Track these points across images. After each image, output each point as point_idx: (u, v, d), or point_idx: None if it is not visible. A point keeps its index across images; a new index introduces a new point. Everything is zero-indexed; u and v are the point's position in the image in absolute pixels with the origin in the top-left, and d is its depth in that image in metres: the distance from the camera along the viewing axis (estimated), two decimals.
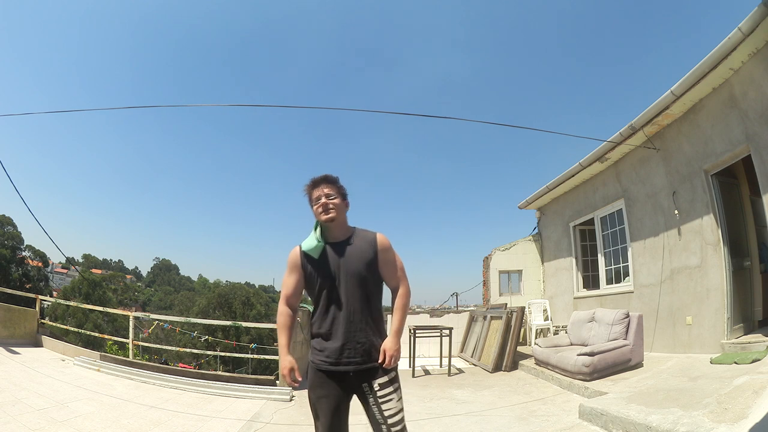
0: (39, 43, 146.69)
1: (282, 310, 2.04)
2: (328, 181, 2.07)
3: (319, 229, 2.04)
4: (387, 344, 1.93)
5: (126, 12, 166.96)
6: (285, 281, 2.06)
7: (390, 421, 1.88)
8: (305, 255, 2.01)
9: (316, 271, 1.98)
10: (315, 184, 2.07)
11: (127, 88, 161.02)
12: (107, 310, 14.89)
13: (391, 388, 1.92)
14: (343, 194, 2.09)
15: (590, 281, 8.28)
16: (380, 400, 1.89)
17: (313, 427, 1.97)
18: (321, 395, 1.91)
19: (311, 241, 2.01)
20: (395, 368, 1.98)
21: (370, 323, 1.96)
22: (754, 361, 3.95)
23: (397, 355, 1.92)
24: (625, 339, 5.24)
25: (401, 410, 1.93)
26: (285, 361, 1.96)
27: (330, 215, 1.99)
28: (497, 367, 6.55)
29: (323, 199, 2.01)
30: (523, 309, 7.25)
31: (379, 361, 1.91)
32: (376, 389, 1.90)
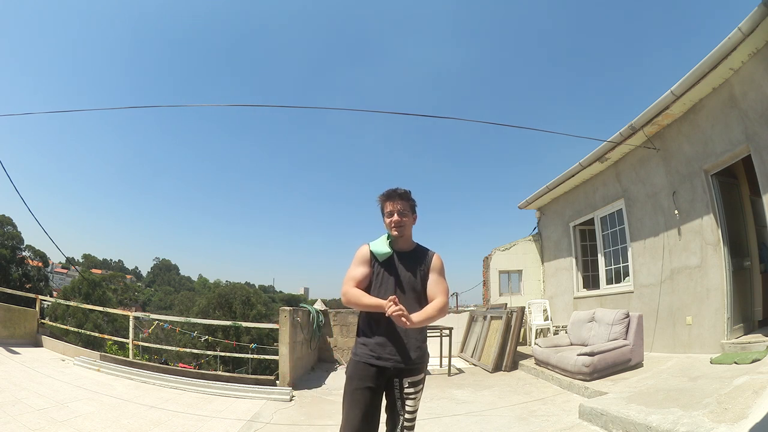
0: (39, 43, 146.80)
1: (349, 288, 2.09)
2: (402, 196, 2.19)
3: (389, 237, 2.20)
4: (413, 315, 1.95)
5: (125, 12, 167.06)
6: (352, 272, 2.15)
7: (407, 416, 2.07)
8: (373, 255, 2.18)
9: (378, 272, 2.16)
10: (389, 197, 2.19)
11: (126, 88, 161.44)
12: (107, 310, 14.88)
13: (417, 388, 2.09)
14: (413, 208, 2.23)
15: (590, 281, 8.27)
16: (405, 397, 2.07)
17: (341, 422, 2.04)
18: (358, 387, 2.03)
19: (382, 246, 2.18)
20: (425, 371, 2.15)
21: (415, 329, 2.05)
22: (754, 361, 3.95)
23: (408, 320, 1.90)
24: (625, 339, 5.24)
25: (417, 409, 2.12)
26: (383, 303, 1.94)
27: (400, 233, 2.16)
28: (497, 367, 6.55)
29: (396, 216, 2.15)
30: (523, 309, 7.25)
31: (392, 308, 1.91)
32: (405, 386, 2.07)
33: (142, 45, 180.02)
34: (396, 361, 2.04)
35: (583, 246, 8.48)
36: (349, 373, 2.10)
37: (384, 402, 2.14)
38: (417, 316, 1.98)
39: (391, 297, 1.94)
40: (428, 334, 6.96)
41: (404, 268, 2.16)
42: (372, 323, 2.10)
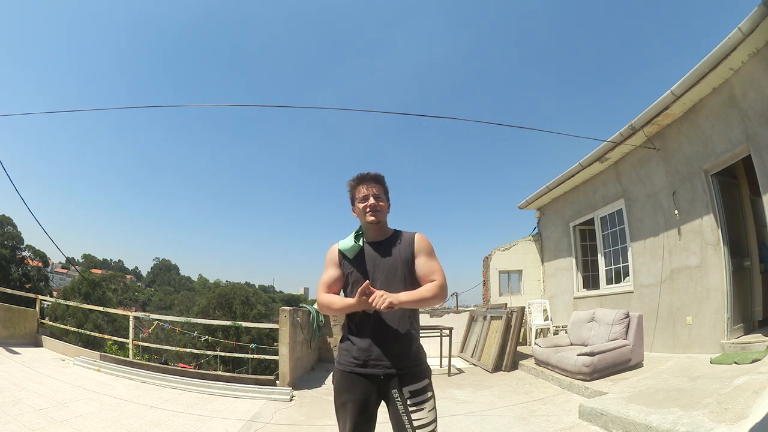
0: (38, 43, 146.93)
1: (320, 295, 1.92)
2: (377, 180, 1.94)
3: (358, 230, 1.97)
4: (401, 295, 1.74)
5: (123, 12, 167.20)
6: (323, 277, 1.94)
7: None
8: (342, 254, 1.94)
9: (352, 271, 1.90)
10: (362, 180, 1.93)
11: (125, 88, 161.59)
12: (107, 310, 14.89)
13: (423, 397, 1.78)
14: (387, 195, 1.99)
15: (590, 281, 8.27)
16: (410, 409, 1.75)
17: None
18: (346, 400, 1.79)
19: (349, 240, 1.94)
20: (429, 376, 1.86)
21: (405, 326, 1.83)
22: (754, 361, 3.95)
23: (387, 300, 1.66)
24: (625, 339, 5.24)
25: (433, 422, 1.78)
26: (354, 302, 1.74)
27: (377, 218, 1.90)
28: (497, 367, 6.55)
29: (371, 200, 1.89)
30: (523, 309, 7.25)
31: (370, 297, 1.70)
32: (406, 396, 1.76)
33: (141, 45, 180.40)
34: (385, 367, 1.76)
35: (583, 246, 8.48)
36: (336, 385, 1.85)
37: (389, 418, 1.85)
38: (406, 296, 1.73)
39: (362, 286, 1.69)
40: (428, 334, 7.02)
41: (379, 258, 1.88)
42: (353, 326, 1.86)
